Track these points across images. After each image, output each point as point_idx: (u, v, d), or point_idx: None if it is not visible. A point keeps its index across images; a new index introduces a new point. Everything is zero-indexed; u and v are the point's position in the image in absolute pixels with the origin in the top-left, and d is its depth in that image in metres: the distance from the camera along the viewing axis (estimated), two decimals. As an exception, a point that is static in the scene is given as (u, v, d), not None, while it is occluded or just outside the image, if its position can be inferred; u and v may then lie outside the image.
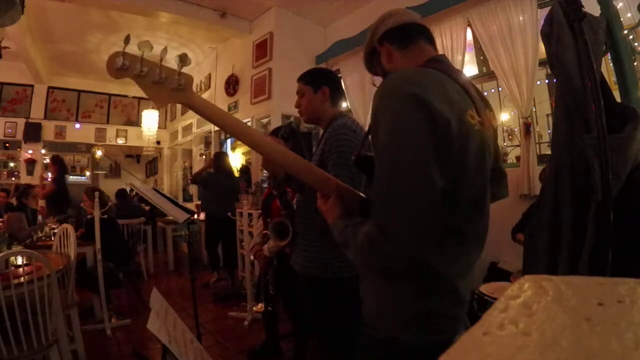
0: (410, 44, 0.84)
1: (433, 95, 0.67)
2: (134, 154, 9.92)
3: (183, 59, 0.79)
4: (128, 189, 5.65)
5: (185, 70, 0.82)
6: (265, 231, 2.04)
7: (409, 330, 0.76)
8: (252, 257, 2.08)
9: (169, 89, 0.79)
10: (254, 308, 2.66)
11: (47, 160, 7.66)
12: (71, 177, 8.48)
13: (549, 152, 3.04)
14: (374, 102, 0.73)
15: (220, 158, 4.17)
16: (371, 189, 0.76)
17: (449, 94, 0.70)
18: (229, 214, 3.44)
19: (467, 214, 0.76)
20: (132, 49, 0.74)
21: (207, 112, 0.84)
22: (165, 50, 0.78)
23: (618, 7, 1.35)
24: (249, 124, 4.63)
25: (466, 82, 0.80)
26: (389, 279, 0.79)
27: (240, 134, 0.89)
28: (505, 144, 4.37)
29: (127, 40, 0.77)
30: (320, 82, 1.43)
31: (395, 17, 0.87)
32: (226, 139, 5.37)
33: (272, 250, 1.98)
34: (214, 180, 4.00)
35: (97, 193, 3.01)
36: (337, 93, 1.47)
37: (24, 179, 6.13)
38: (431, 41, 0.87)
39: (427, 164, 0.65)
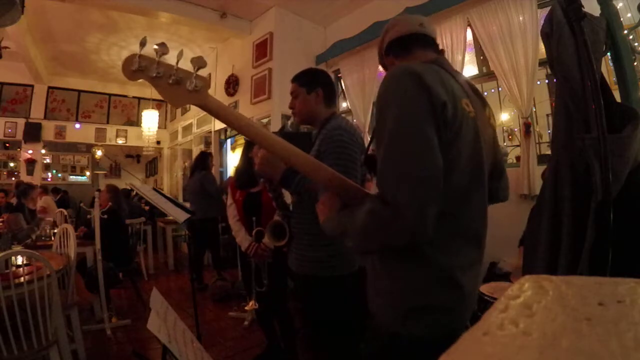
0: (409, 54, 0.92)
1: (430, 78, 0.72)
2: (134, 154, 9.91)
3: (199, 62, 0.80)
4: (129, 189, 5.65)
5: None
6: (257, 228, 2.08)
7: (409, 323, 0.77)
8: (251, 254, 2.11)
9: (185, 90, 0.81)
10: (246, 307, 2.67)
11: (48, 160, 7.69)
12: (71, 177, 8.50)
13: (549, 152, 3.04)
14: (379, 89, 0.78)
15: (207, 159, 4.12)
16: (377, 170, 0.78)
17: (444, 81, 0.76)
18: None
19: (460, 201, 0.77)
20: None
21: (221, 114, 0.87)
22: (181, 53, 0.82)
23: (618, 7, 1.35)
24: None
25: (462, 79, 0.86)
26: (390, 267, 0.81)
27: (252, 134, 0.92)
28: (505, 144, 4.37)
29: (143, 42, 0.78)
30: (315, 83, 1.43)
31: (395, 28, 0.95)
32: (226, 139, 5.37)
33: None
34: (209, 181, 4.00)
35: (96, 193, 3.00)
36: (331, 94, 1.46)
37: (24, 179, 6.13)
38: (431, 44, 0.94)
39: (427, 134, 0.69)
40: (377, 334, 0.84)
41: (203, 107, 0.85)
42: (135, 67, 0.77)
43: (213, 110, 0.86)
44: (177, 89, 0.80)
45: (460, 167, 0.75)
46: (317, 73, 1.52)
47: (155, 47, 0.79)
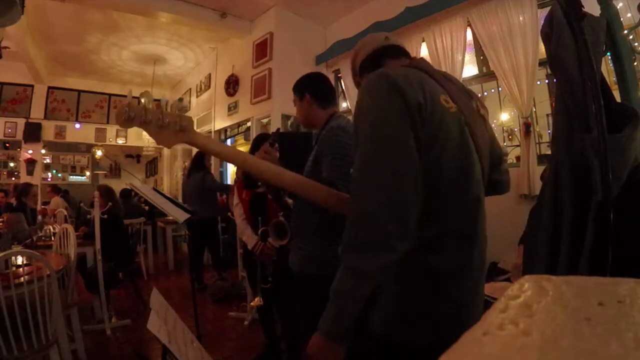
0: (381, 67, 0.93)
1: (404, 81, 0.74)
2: (134, 154, 9.92)
3: (183, 107, 0.88)
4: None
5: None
6: (262, 228, 2.10)
7: (398, 328, 0.76)
8: (257, 253, 2.15)
9: (173, 131, 0.90)
10: (252, 303, 2.69)
11: (48, 160, 7.68)
12: (71, 177, 8.51)
13: (549, 152, 3.04)
14: (357, 97, 0.80)
15: (204, 159, 4.11)
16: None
17: (420, 81, 0.77)
18: (230, 213, 3.45)
19: (448, 198, 0.76)
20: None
21: (208, 147, 0.97)
22: (167, 101, 0.92)
23: (618, 7, 1.35)
24: (249, 124, 4.63)
25: (439, 76, 0.88)
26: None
27: (240, 163, 1.01)
28: (505, 144, 4.36)
29: (130, 94, 0.92)
30: (302, 89, 1.47)
31: (363, 49, 0.99)
32: (226, 139, 5.37)
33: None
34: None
35: (96, 192, 3.01)
36: (322, 95, 1.45)
37: (24, 179, 6.13)
38: (402, 53, 0.97)
39: (402, 136, 0.69)
40: (366, 336, 0.81)
41: (191, 144, 0.95)
42: (126, 117, 0.85)
43: (199, 144, 0.95)
44: (165, 131, 0.90)
45: (444, 163, 0.74)
46: (304, 78, 1.52)
47: (143, 99, 0.88)
